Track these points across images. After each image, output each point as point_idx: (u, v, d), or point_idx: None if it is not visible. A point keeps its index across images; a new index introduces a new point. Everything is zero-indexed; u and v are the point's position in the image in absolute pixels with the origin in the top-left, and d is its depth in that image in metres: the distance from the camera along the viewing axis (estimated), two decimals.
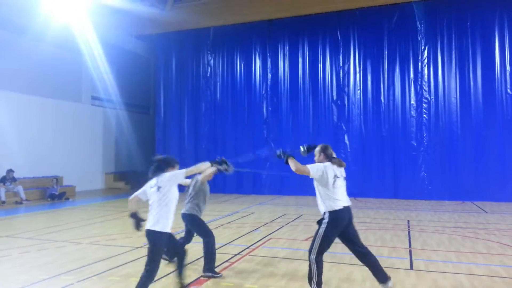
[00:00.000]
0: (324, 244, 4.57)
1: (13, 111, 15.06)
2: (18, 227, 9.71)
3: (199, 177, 5.73)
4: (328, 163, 4.73)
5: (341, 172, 4.81)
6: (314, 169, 4.64)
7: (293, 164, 4.68)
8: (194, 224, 5.75)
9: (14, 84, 15.19)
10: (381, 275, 4.75)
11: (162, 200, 4.29)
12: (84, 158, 18.36)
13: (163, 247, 4.34)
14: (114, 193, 17.69)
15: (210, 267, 5.52)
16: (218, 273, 5.55)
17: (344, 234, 4.76)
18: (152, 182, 4.42)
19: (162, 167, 4.66)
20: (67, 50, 16.94)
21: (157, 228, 4.25)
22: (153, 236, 4.25)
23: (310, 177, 4.68)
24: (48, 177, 16.02)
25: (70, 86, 17.85)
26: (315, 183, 4.74)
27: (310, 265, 4.55)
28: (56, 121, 16.90)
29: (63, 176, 16.86)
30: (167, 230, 4.27)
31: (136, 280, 5.35)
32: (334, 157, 4.84)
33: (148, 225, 4.24)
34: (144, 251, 6.97)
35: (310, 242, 4.68)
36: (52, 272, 5.76)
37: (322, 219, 4.64)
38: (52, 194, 15.08)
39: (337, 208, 4.58)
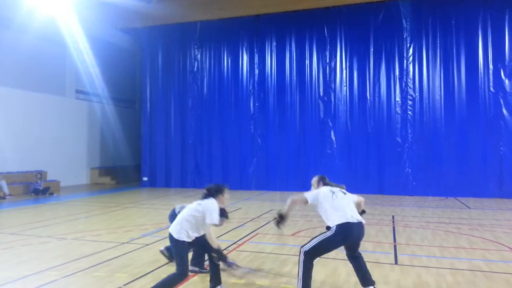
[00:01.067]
0: (322, 247, 4.46)
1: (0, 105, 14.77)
2: (1, 223, 9.54)
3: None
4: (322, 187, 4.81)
5: (340, 189, 4.79)
6: (310, 196, 4.69)
7: (290, 205, 4.68)
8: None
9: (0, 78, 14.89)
10: (365, 279, 4.70)
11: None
12: (68, 152, 18.10)
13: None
14: (99, 188, 17.51)
15: (199, 262, 5.54)
16: (206, 268, 5.55)
17: (349, 247, 4.69)
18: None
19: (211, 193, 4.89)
20: (51, 42, 16.63)
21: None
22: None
23: (308, 204, 4.70)
24: (32, 172, 15.77)
25: (54, 79, 17.54)
26: (316, 209, 4.72)
27: (299, 257, 4.49)
28: (40, 115, 16.61)
29: (47, 171, 16.61)
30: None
31: (120, 276, 5.34)
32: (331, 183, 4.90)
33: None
34: (129, 247, 6.95)
35: (308, 240, 4.60)
36: (36, 268, 5.70)
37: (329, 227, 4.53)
38: (36, 189, 14.85)
39: (344, 221, 4.43)
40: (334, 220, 4.44)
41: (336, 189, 4.73)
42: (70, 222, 9.58)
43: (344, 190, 4.83)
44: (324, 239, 4.41)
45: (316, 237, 4.50)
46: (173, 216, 5.38)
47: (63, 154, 17.68)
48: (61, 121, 17.70)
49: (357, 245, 4.69)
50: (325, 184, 4.89)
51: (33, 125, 16.23)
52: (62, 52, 17.18)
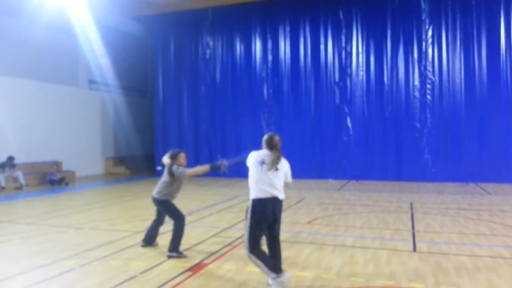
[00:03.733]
0: (253, 233, 4.36)
1: (10, 96, 14.87)
2: (19, 213, 9.68)
3: (184, 170, 5.78)
4: (257, 152, 4.64)
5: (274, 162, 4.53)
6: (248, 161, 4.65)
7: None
8: (166, 208, 5.90)
9: (10, 68, 14.96)
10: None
11: None
12: (83, 143, 18.24)
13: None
14: (114, 178, 17.65)
15: (175, 247, 5.66)
16: (182, 253, 5.70)
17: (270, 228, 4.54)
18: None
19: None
20: (62, 33, 16.62)
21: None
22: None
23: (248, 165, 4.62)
24: (47, 162, 15.95)
25: (66, 70, 17.59)
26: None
27: (250, 260, 4.41)
28: (53, 105, 16.71)
29: (62, 161, 16.79)
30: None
31: (137, 264, 5.33)
32: (274, 148, 4.62)
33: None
34: (144, 236, 6.95)
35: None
36: (53, 257, 5.73)
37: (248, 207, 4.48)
38: (51, 179, 15.03)
39: (259, 196, 4.39)
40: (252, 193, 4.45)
41: (269, 159, 4.50)
42: (86, 211, 9.65)
43: (280, 164, 4.57)
44: (250, 224, 4.37)
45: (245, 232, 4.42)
46: None
47: (77, 144, 17.83)
48: (75, 111, 17.80)
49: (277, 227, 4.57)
50: (269, 147, 4.63)
51: (47, 116, 16.35)
52: (73, 42, 17.19)
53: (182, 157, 5.93)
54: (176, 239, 5.69)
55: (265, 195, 4.39)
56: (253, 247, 4.31)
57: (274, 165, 4.47)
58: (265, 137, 4.71)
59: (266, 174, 4.45)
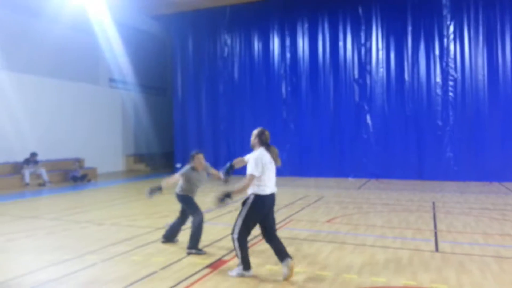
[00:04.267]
0: (247, 224, 4.66)
1: (32, 94, 15.21)
2: (42, 209, 9.90)
3: (175, 175, 6.10)
4: (263, 150, 4.70)
5: (276, 161, 4.78)
6: (254, 169, 4.58)
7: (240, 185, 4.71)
8: (185, 203, 6.05)
9: (33, 67, 15.30)
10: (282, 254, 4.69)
11: None
12: (104, 140, 18.54)
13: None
14: (134, 175, 17.90)
15: (194, 244, 5.71)
16: (202, 250, 5.74)
17: (264, 220, 4.77)
18: None
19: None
20: (83, 32, 16.89)
21: None
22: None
23: (256, 175, 4.60)
24: (70, 160, 16.26)
25: (88, 68, 17.89)
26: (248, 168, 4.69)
27: (233, 243, 4.71)
28: (75, 104, 17.02)
29: (84, 158, 17.10)
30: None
31: (157, 260, 5.38)
32: (269, 144, 4.79)
33: None
34: (164, 232, 7.01)
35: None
36: (76, 252, 5.83)
37: (247, 199, 4.69)
38: (74, 176, 15.33)
39: (262, 193, 4.63)
40: (254, 189, 4.66)
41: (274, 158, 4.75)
42: (107, 207, 9.81)
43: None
44: (245, 216, 4.64)
45: (238, 216, 4.70)
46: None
47: (98, 141, 18.13)
48: (96, 109, 18.11)
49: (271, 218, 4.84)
50: (262, 141, 4.75)
51: (69, 114, 16.67)
52: (94, 41, 17.44)
53: (198, 158, 6.02)
54: (195, 236, 5.75)
55: (270, 191, 4.70)
56: (241, 236, 4.65)
57: (277, 160, 4.75)
58: (257, 132, 4.82)
59: (273, 172, 4.74)
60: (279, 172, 15.79)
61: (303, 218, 8.20)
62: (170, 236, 6.31)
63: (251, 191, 4.67)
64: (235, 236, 4.67)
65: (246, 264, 4.73)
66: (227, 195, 4.68)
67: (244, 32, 17.52)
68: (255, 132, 4.84)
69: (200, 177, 6.08)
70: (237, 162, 5.09)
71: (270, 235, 4.78)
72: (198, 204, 6.08)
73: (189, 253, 5.68)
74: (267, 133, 4.79)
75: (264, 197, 4.65)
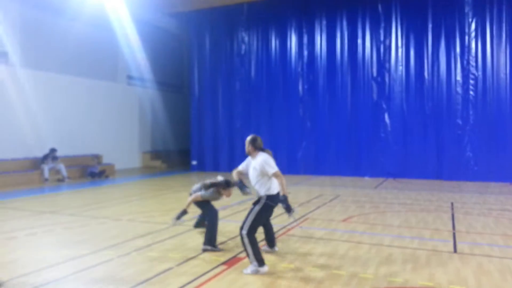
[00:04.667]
0: (258, 222, 4.95)
1: (52, 91, 15.46)
2: (61, 204, 10.07)
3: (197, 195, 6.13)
4: (263, 154, 5.10)
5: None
6: (274, 166, 5.03)
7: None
8: (200, 206, 6.22)
9: (53, 65, 15.56)
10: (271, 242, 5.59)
11: None
12: (121, 137, 18.77)
13: None
14: (151, 172, 18.07)
15: (209, 240, 5.77)
16: (217, 247, 5.80)
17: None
18: None
19: None
20: (103, 29, 17.10)
21: None
22: None
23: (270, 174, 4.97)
24: (88, 156, 16.52)
25: (106, 65, 18.13)
26: (257, 172, 5.02)
27: (242, 240, 4.86)
28: (93, 100, 17.25)
29: (102, 154, 17.34)
30: None
31: (173, 256, 5.42)
32: (263, 148, 5.21)
33: None
34: (181, 229, 7.05)
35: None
36: (94, 247, 5.92)
37: (260, 199, 5.02)
38: (92, 172, 15.56)
39: (274, 193, 5.01)
40: (266, 190, 5.00)
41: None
42: (125, 204, 9.93)
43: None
44: (257, 213, 4.92)
45: (250, 213, 4.95)
46: None
47: (116, 138, 18.36)
48: (114, 106, 18.34)
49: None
50: (258, 149, 5.14)
51: (87, 111, 16.91)
52: (113, 38, 17.64)
53: (229, 191, 6.04)
54: (210, 232, 5.79)
55: (277, 190, 5.07)
56: (251, 232, 4.84)
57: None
58: (250, 139, 5.17)
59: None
60: (295, 170, 15.88)
61: (319, 217, 8.15)
62: (201, 222, 6.62)
63: (263, 192, 4.98)
64: (244, 232, 4.82)
65: (259, 261, 4.78)
66: (285, 204, 4.96)
67: (262, 30, 17.48)
68: (248, 139, 5.18)
69: (219, 199, 6.19)
70: (238, 175, 5.38)
71: (266, 223, 5.49)
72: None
73: (204, 250, 5.71)
74: (259, 139, 5.18)
75: (274, 196, 5.00)
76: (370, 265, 5.10)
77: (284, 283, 4.51)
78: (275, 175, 4.93)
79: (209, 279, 4.62)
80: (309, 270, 4.91)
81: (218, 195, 6.06)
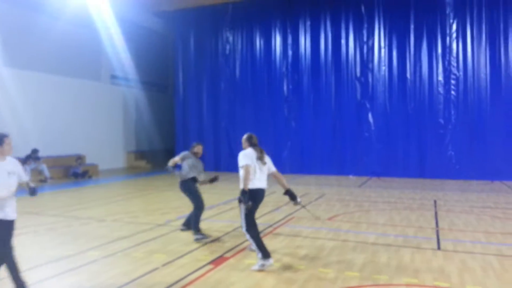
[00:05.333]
0: (249, 216, 5.03)
1: (33, 90, 15.14)
2: (44, 205, 9.88)
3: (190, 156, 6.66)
4: (249, 149, 5.24)
5: (262, 159, 5.20)
6: (243, 160, 5.11)
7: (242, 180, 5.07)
8: (187, 190, 6.53)
9: (34, 63, 15.24)
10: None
11: None
12: (105, 137, 18.52)
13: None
14: (136, 172, 17.88)
15: (194, 227, 6.27)
16: (205, 235, 6.24)
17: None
18: None
19: None
20: (85, 28, 16.84)
21: None
22: None
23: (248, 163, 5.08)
24: (71, 156, 16.25)
25: (89, 65, 17.85)
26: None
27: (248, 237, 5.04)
28: (76, 100, 16.98)
29: (85, 155, 17.08)
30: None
31: (159, 256, 5.38)
32: (256, 144, 5.32)
33: None
34: (166, 229, 7.01)
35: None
36: (78, 248, 5.84)
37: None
38: (75, 172, 15.32)
39: (255, 188, 5.07)
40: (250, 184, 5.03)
41: (258, 156, 5.17)
42: (109, 204, 9.81)
43: (266, 159, 5.25)
44: (246, 209, 4.97)
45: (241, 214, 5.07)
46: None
47: (100, 138, 18.11)
48: (97, 106, 18.07)
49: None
50: (252, 144, 5.28)
51: (70, 110, 16.63)
52: (96, 37, 17.38)
53: (198, 147, 6.73)
54: (196, 220, 6.26)
55: (260, 185, 5.15)
56: (249, 227, 4.98)
57: (263, 159, 5.19)
58: (246, 136, 5.38)
59: (261, 168, 5.17)
60: (280, 170, 15.80)
61: (305, 216, 8.18)
62: (189, 224, 6.69)
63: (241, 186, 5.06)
64: (244, 229, 5.01)
65: (263, 253, 4.88)
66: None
67: (246, 30, 17.48)
68: (244, 137, 5.42)
69: (197, 162, 6.62)
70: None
71: None
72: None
73: (197, 240, 6.09)
74: (254, 136, 5.37)
75: (255, 190, 5.05)
76: (355, 263, 5.14)
77: (270, 281, 4.52)
78: (241, 168, 5.03)
79: (196, 279, 4.60)
80: (295, 269, 4.93)
81: (191, 155, 6.57)
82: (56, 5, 14.32)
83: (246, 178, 4.96)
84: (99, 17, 16.04)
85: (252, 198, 4.99)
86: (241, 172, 5.02)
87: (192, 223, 6.34)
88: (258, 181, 5.12)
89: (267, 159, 5.27)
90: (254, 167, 5.06)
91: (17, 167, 4.19)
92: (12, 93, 14.04)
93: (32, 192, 4.24)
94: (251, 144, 5.28)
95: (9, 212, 3.99)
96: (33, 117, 14.78)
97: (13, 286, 4.03)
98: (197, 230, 6.25)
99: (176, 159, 6.58)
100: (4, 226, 3.95)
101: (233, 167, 17.59)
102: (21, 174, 4.25)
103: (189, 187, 6.52)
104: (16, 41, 14.54)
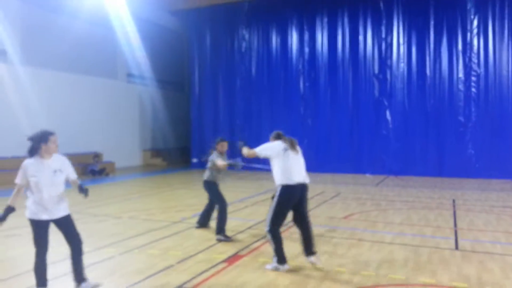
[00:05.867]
0: (277, 216, 4.77)
1: (52, 89, 15.44)
2: None
3: (213, 159, 6.53)
4: (275, 141, 5.10)
5: (294, 148, 5.04)
6: (261, 149, 4.99)
7: (245, 150, 5.15)
8: (208, 189, 6.54)
9: (53, 62, 15.53)
10: (308, 248, 4.86)
11: None
12: (122, 135, 18.77)
13: None
14: (151, 170, 18.06)
15: (220, 229, 6.15)
16: (229, 237, 6.11)
17: (297, 208, 4.91)
18: None
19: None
20: (102, 27, 17.06)
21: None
22: None
23: (262, 157, 5.01)
24: (89, 154, 16.50)
25: (106, 63, 18.10)
26: (272, 160, 4.96)
27: (268, 238, 4.82)
28: (94, 98, 17.24)
29: (103, 152, 17.32)
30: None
31: (174, 253, 5.41)
32: (283, 136, 5.19)
33: None
34: (181, 226, 7.06)
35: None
36: (94, 245, 5.91)
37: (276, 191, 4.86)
38: (92, 170, 15.56)
39: (290, 183, 4.75)
40: (282, 179, 4.77)
41: (288, 146, 4.96)
42: (125, 201, 9.92)
43: (297, 147, 5.09)
44: (275, 207, 4.74)
45: (269, 212, 4.82)
46: None
47: (117, 136, 18.35)
48: (114, 104, 18.32)
49: (301, 206, 4.88)
50: (279, 137, 5.12)
51: (87, 109, 16.89)
52: (113, 36, 17.62)
53: (221, 145, 6.62)
54: (221, 221, 6.16)
55: (297, 180, 4.81)
56: (273, 228, 4.75)
57: (294, 147, 4.99)
58: (273, 134, 5.25)
59: (296, 161, 4.95)
60: None
61: (320, 214, 8.13)
62: (203, 222, 6.78)
63: (279, 182, 4.81)
64: (267, 228, 4.82)
65: (280, 258, 4.75)
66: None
67: (262, 27, 17.45)
68: (271, 135, 5.28)
69: (224, 160, 6.55)
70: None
71: (301, 223, 4.93)
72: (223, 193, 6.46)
73: (218, 240, 6.03)
74: (279, 133, 5.25)
75: (291, 187, 4.75)
76: (371, 263, 5.08)
77: (284, 280, 4.50)
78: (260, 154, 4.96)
79: (210, 277, 4.61)
80: (310, 268, 4.89)
81: (219, 156, 6.49)
82: (74, 5, 14.54)
83: (250, 153, 4.97)
84: (115, 16, 16.23)
85: (286, 195, 4.73)
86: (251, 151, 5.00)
87: (217, 224, 6.20)
88: (294, 174, 4.79)
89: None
90: (289, 161, 4.84)
91: (65, 165, 4.19)
92: (29, 92, 14.34)
93: (82, 190, 4.29)
94: (278, 138, 5.12)
95: (49, 211, 4.01)
96: (50, 115, 15.03)
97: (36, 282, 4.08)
98: (222, 231, 6.17)
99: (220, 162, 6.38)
100: (37, 225, 3.99)
101: (249, 166, 17.68)
102: (69, 172, 4.26)
103: (211, 187, 6.51)
104: (33, 40, 14.85)
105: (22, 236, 6.47)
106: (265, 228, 4.88)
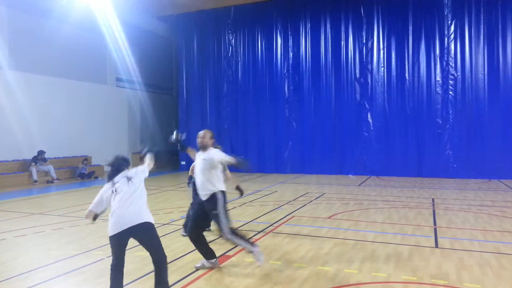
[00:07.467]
0: (228, 218, 4.93)
1: (40, 94, 15.33)
2: (50, 205, 10.03)
3: None
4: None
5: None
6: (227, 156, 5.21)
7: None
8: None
9: (41, 67, 15.42)
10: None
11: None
12: (111, 138, 18.67)
13: None
14: None
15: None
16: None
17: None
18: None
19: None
20: (91, 32, 17.01)
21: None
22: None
23: (221, 164, 5.27)
24: (78, 157, 16.43)
25: (95, 68, 18.02)
26: (208, 167, 5.17)
27: (231, 242, 4.91)
28: (83, 103, 17.14)
29: (92, 156, 17.25)
30: None
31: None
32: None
33: None
34: (170, 228, 7.15)
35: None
36: (83, 247, 5.97)
37: (216, 199, 4.94)
38: (81, 173, 15.50)
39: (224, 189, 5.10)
40: (221, 186, 5.06)
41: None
42: None
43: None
44: (224, 213, 4.88)
45: (218, 219, 4.86)
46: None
47: (105, 139, 18.26)
48: (103, 108, 18.23)
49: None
50: (214, 142, 5.38)
51: (77, 113, 16.79)
52: (101, 41, 17.58)
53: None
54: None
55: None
56: (231, 231, 4.87)
57: None
58: (212, 134, 5.61)
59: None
60: (281, 169, 16.10)
61: (305, 215, 8.32)
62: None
63: (219, 188, 5.03)
64: (228, 236, 4.84)
65: (250, 244, 4.91)
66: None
67: (248, 32, 17.65)
68: (208, 134, 5.56)
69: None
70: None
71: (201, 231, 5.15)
72: None
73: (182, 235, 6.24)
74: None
75: (225, 192, 5.10)
76: (354, 261, 5.25)
77: (271, 279, 4.63)
78: (231, 158, 5.26)
79: (197, 278, 4.71)
80: (295, 267, 5.04)
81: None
82: (61, 9, 14.46)
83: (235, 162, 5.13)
84: (104, 21, 16.18)
85: (226, 198, 5.06)
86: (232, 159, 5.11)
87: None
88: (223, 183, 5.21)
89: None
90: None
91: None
92: (18, 96, 14.23)
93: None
94: (214, 143, 5.39)
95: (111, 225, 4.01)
96: (39, 119, 14.96)
97: None
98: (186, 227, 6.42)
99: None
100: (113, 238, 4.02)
101: (234, 168, 17.67)
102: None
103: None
104: (23, 44, 14.73)
105: (8, 240, 6.50)
106: (225, 237, 4.86)
